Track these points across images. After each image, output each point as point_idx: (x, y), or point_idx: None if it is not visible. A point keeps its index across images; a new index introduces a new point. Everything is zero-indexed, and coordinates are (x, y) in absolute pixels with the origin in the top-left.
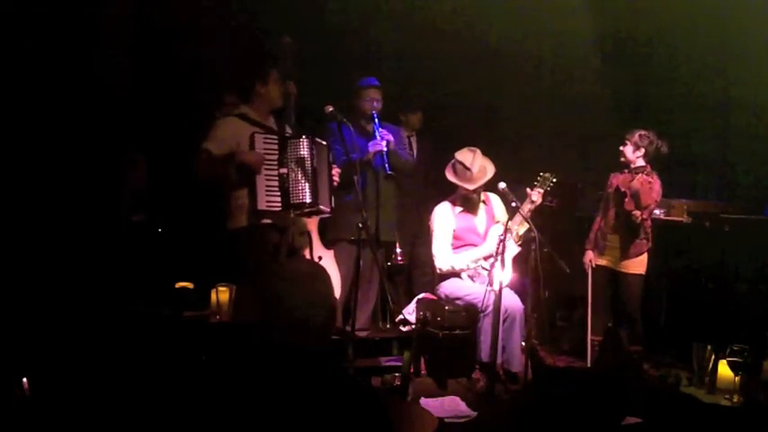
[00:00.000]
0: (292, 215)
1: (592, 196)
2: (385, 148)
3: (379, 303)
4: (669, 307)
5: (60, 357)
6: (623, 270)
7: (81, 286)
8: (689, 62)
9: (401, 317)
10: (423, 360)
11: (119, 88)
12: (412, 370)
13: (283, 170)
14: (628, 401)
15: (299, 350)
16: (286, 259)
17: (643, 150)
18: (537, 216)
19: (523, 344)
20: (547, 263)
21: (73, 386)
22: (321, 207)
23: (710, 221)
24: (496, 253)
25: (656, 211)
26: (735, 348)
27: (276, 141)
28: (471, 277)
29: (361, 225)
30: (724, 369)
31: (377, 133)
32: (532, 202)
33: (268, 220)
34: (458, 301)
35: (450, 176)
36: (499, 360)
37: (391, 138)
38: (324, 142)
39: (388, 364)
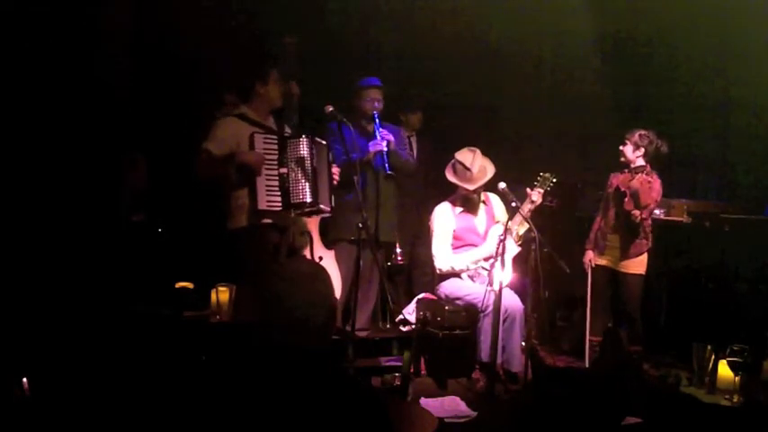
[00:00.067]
0: (293, 215)
1: (592, 196)
2: (385, 149)
3: (379, 303)
4: (669, 307)
5: (60, 357)
6: (623, 270)
7: (81, 286)
8: (689, 62)
9: (401, 317)
10: (423, 360)
11: (119, 88)
12: (412, 370)
13: (283, 170)
14: (628, 401)
15: (299, 350)
16: (286, 259)
17: (643, 150)
18: (537, 216)
19: (523, 344)
20: (547, 263)
21: (73, 386)
22: (321, 206)
23: (710, 221)
24: (496, 253)
25: (656, 211)
26: (735, 348)
27: (276, 141)
28: (471, 277)
29: (361, 225)
30: (724, 369)
31: (377, 133)
32: (532, 202)
33: (268, 220)
34: (458, 301)
35: (450, 176)
36: (499, 360)
37: (392, 138)
38: (323, 142)
39: (388, 364)
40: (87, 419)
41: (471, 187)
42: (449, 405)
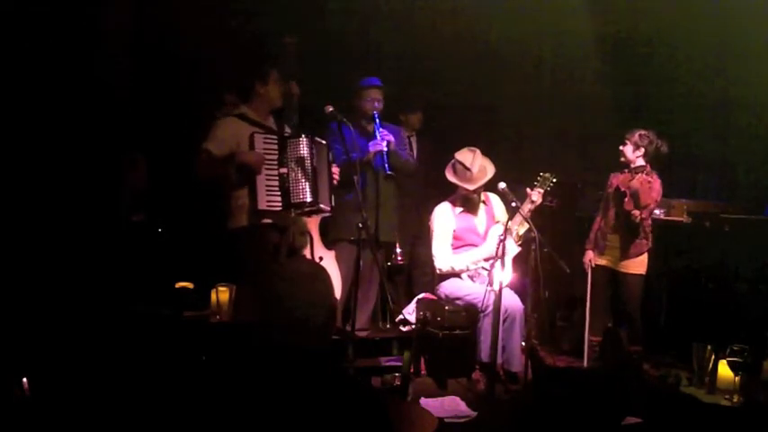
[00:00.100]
0: (293, 215)
1: (592, 196)
2: (385, 149)
3: (379, 303)
4: (669, 307)
5: (60, 357)
6: (623, 270)
7: (81, 286)
8: (689, 62)
9: (401, 317)
10: (423, 360)
11: (119, 88)
12: (412, 370)
13: (283, 170)
14: (628, 401)
15: (299, 350)
16: (286, 259)
17: (643, 150)
18: (537, 216)
19: (523, 344)
20: (547, 263)
21: (73, 386)
22: (321, 206)
23: (710, 221)
24: (496, 253)
25: (656, 211)
26: (735, 348)
27: (276, 141)
28: (471, 277)
29: (361, 225)
30: (724, 369)
31: (377, 133)
32: (532, 202)
33: (268, 220)
34: (458, 301)
35: (450, 176)
36: (499, 360)
37: (392, 138)
38: (323, 141)
39: (388, 364)
40: (87, 419)
41: (471, 187)
42: (449, 405)
